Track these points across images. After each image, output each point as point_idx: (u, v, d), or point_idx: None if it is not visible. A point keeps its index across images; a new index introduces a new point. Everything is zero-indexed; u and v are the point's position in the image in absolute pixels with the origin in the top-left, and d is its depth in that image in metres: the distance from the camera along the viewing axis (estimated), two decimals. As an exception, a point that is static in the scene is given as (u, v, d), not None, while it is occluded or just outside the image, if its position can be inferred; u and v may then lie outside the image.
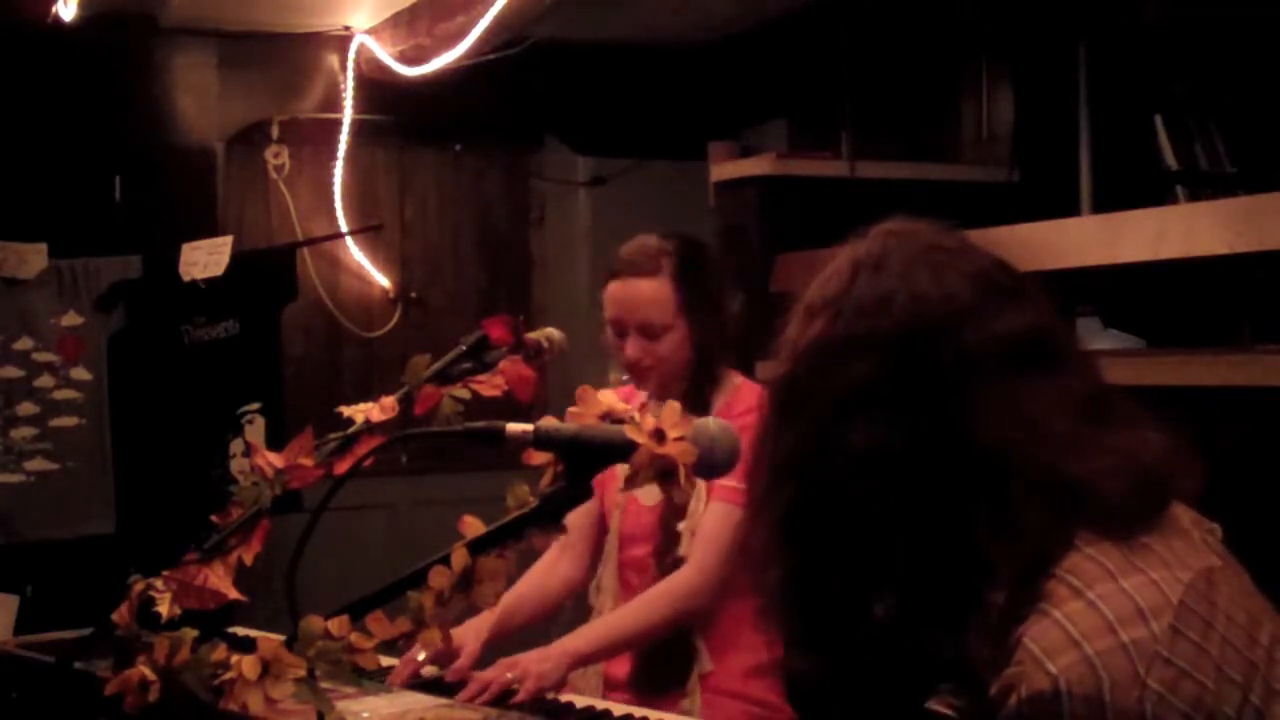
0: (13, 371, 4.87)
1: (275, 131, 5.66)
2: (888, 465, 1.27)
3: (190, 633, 1.71)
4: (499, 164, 6.13)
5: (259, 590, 2.02)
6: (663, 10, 5.38)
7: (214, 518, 2.02)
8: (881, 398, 1.28)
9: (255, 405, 4.80)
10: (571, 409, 1.69)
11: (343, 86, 5.57)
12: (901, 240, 1.36)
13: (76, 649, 2.14)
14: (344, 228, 5.70)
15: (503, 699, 2.43)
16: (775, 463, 1.34)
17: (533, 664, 2.47)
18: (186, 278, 4.79)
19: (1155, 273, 3.50)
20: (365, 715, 2.31)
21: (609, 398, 1.70)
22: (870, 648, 1.32)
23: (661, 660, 2.68)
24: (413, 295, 5.90)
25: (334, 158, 5.66)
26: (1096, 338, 3.74)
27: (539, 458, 1.69)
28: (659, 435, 1.61)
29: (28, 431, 4.87)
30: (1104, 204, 4.08)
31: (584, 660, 2.59)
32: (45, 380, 4.90)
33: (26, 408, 4.87)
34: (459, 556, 1.60)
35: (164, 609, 1.90)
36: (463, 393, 2.11)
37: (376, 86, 5.54)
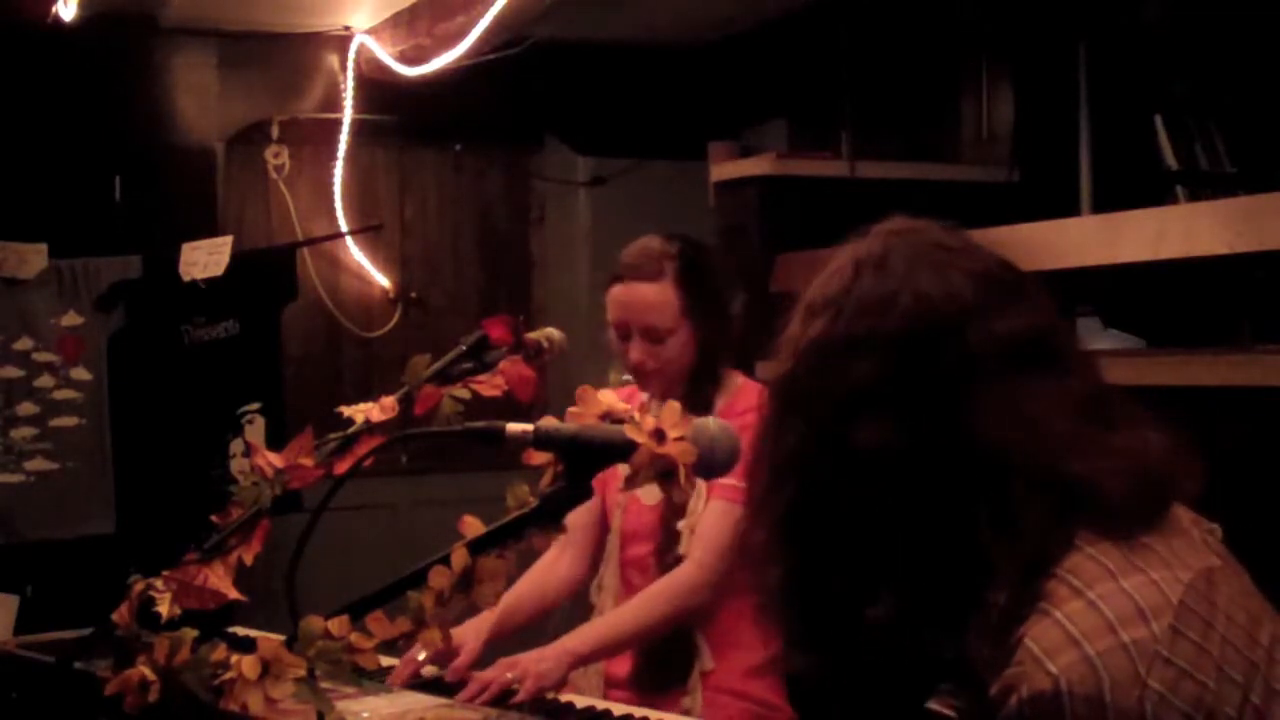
0: (13, 371, 4.87)
1: (275, 131, 5.66)
2: (889, 465, 1.27)
3: (190, 633, 1.71)
4: (499, 164, 6.13)
5: (259, 590, 2.01)
6: (663, 10, 5.37)
7: (214, 518, 2.03)
8: (883, 397, 1.27)
9: (255, 405, 4.80)
10: (571, 409, 1.69)
11: (343, 86, 5.57)
12: (904, 239, 1.36)
13: (76, 649, 2.14)
14: (344, 228, 5.70)
15: (503, 699, 2.43)
16: (776, 462, 1.34)
17: (532, 664, 2.47)
18: (186, 278, 4.79)
19: (1155, 273, 3.50)
20: (365, 715, 2.31)
21: (609, 398, 1.71)
22: (870, 648, 1.32)
23: (663, 658, 2.68)
24: (413, 295, 5.90)
25: (334, 158, 5.66)
26: (1096, 338, 3.74)
27: (539, 458, 1.69)
28: (659, 435, 1.61)
29: (28, 431, 4.87)
30: (1104, 204, 4.08)
31: (584, 660, 2.59)
32: (45, 380, 4.90)
33: (26, 408, 4.87)
34: (459, 556, 1.60)
35: (164, 609, 1.90)
36: (463, 393, 2.11)
37: (376, 86, 5.54)
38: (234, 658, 1.63)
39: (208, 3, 5.13)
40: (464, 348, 2.18)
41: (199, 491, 4.51)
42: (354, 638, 1.60)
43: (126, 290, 4.98)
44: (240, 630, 2.83)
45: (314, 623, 1.60)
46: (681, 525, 2.68)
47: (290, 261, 5.12)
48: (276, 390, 4.90)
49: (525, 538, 1.63)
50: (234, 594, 1.95)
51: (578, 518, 2.74)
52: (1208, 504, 1.32)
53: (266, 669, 1.60)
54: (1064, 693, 1.16)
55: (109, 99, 5.17)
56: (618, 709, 2.44)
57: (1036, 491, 1.24)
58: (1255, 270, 3.30)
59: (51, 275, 4.90)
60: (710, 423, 1.63)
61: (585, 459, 1.64)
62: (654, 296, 2.67)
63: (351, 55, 5.54)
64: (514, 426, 1.66)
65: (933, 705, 1.29)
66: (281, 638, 1.62)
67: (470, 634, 2.61)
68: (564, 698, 2.50)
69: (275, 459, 2.03)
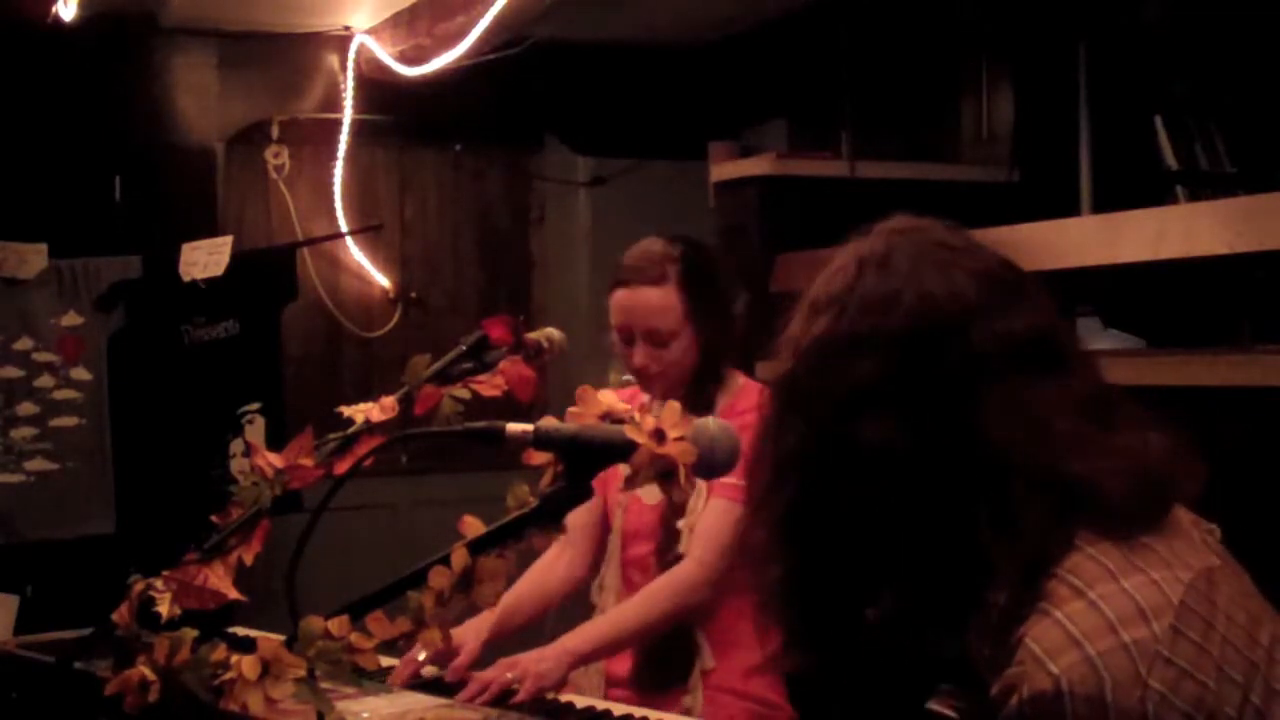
0: (13, 371, 4.87)
1: (275, 131, 5.66)
2: (891, 464, 1.26)
3: (190, 633, 1.71)
4: (499, 164, 6.13)
5: (259, 590, 2.01)
6: (663, 10, 5.37)
7: (214, 518, 2.03)
8: (886, 396, 1.27)
9: (255, 405, 4.80)
10: (571, 409, 1.69)
11: (343, 86, 5.56)
12: (907, 238, 1.36)
13: (76, 649, 2.14)
14: (344, 228, 5.70)
15: (503, 699, 2.43)
16: (777, 460, 1.34)
17: (532, 664, 2.47)
18: (186, 278, 4.79)
19: (1155, 273, 3.50)
20: (365, 715, 2.31)
21: (609, 398, 1.71)
22: (870, 647, 1.32)
23: (663, 657, 2.68)
24: (413, 295, 5.90)
25: (334, 158, 5.66)
26: (1096, 338, 3.74)
27: (539, 458, 1.69)
28: (659, 435, 1.61)
29: (28, 431, 4.87)
30: (1104, 204, 4.08)
31: (584, 659, 2.59)
32: (45, 380, 4.90)
33: (26, 408, 4.87)
34: (459, 556, 1.60)
35: (164, 609, 1.90)
36: (463, 393, 2.11)
37: (376, 86, 5.54)
38: (234, 658, 1.63)
39: (208, 3, 5.13)
40: (464, 348, 2.18)
41: (199, 491, 4.51)
42: (354, 638, 1.60)
43: (126, 290, 4.98)
44: (240, 630, 2.82)
45: (314, 623, 1.60)
46: (681, 524, 2.68)
47: (290, 261, 5.12)
48: (276, 390, 4.90)
49: (525, 538, 1.63)
50: (234, 594, 1.95)
51: (579, 517, 2.74)
52: (1208, 504, 1.32)
53: (266, 669, 1.60)
54: (1065, 693, 1.16)
55: (109, 99, 5.17)
56: (618, 709, 2.44)
57: (1037, 491, 1.24)
58: (1255, 270, 3.30)
59: (51, 275, 4.91)
60: (710, 423, 1.63)
61: (585, 459, 1.64)
62: (657, 301, 2.67)
63: (351, 55, 5.54)
64: (514, 426, 1.66)
65: (933, 705, 1.29)
66: (281, 638, 1.62)
67: (470, 634, 2.61)
68: (564, 697, 2.50)
69: (275, 459, 2.03)
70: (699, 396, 2.64)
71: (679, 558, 2.66)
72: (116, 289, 4.97)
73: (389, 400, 2.09)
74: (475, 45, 4.93)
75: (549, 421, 1.66)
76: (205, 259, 4.76)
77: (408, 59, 5.28)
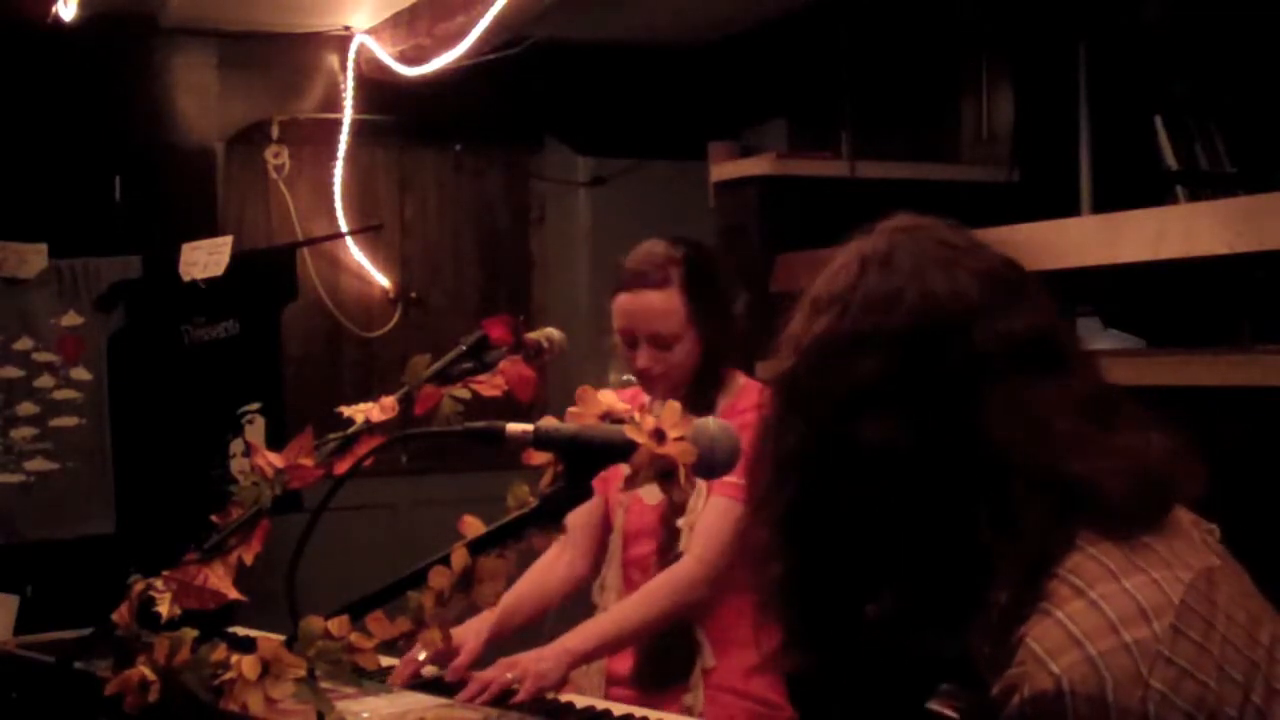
0: (13, 371, 4.87)
1: (275, 131, 5.66)
2: (892, 463, 1.26)
3: (190, 633, 1.71)
4: (499, 164, 6.13)
5: (259, 590, 2.01)
6: (663, 10, 5.37)
7: (214, 518, 2.03)
8: (888, 395, 1.27)
9: (255, 405, 4.80)
10: (571, 409, 1.69)
11: (343, 86, 5.56)
12: (909, 236, 1.36)
13: (76, 649, 2.14)
14: (344, 228, 5.69)
15: (503, 699, 2.43)
16: (778, 459, 1.34)
17: (532, 664, 2.47)
18: (186, 278, 4.79)
19: (1155, 273, 3.50)
20: (365, 715, 2.31)
21: (609, 398, 1.71)
22: (870, 647, 1.32)
23: (664, 655, 2.68)
24: (413, 295, 5.90)
25: (334, 158, 5.66)
26: (1096, 338, 3.74)
27: (539, 458, 1.69)
28: (659, 435, 1.61)
29: (28, 431, 4.87)
30: (1104, 204, 4.08)
31: (584, 658, 2.59)
32: (45, 380, 4.90)
33: (26, 408, 4.87)
34: (459, 556, 1.60)
35: (164, 609, 1.90)
36: (463, 393, 2.11)
37: (376, 86, 5.54)
38: (234, 658, 1.63)
39: (208, 3, 5.13)
40: (464, 348, 2.18)
41: (199, 491, 4.51)
42: (354, 638, 1.60)
43: (126, 290, 4.98)
44: (240, 630, 2.82)
45: (314, 623, 1.60)
46: (681, 523, 2.69)
47: (290, 261, 5.12)
48: (276, 390, 4.90)
49: (525, 538, 1.63)
50: (234, 594, 1.95)
51: (579, 517, 2.74)
52: (1208, 504, 1.32)
53: (266, 669, 1.60)
54: (1066, 693, 1.16)
55: (109, 99, 5.17)
56: (618, 709, 2.44)
57: (1038, 491, 1.24)
58: (1255, 270, 3.30)
59: (51, 275, 4.91)
60: (710, 423, 1.63)
61: (585, 459, 1.64)
62: (661, 305, 2.67)
63: (351, 55, 5.54)
64: (514, 426, 1.66)
65: (933, 706, 1.29)
66: (281, 638, 1.62)
67: (470, 634, 2.62)
68: (564, 697, 2.50)
69: (275, 459, 2.03)
70: (700, 397, 2.64)
71: (680, 557, 2.67)
72: (116, 289, 4.97)
73: (389, 400, 2.09)
74: (475, 45, 4.93)
75: (549, 421, 1.66)
76: (205, 259, 4.76)
77: (408, 59, 5.28)
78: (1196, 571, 1.23)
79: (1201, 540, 1.29)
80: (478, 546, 1.61)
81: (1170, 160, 4.12)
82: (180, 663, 1.68)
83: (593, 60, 5.83)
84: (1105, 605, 1.19)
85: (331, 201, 5.69)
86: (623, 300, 2.71)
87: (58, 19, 4.88)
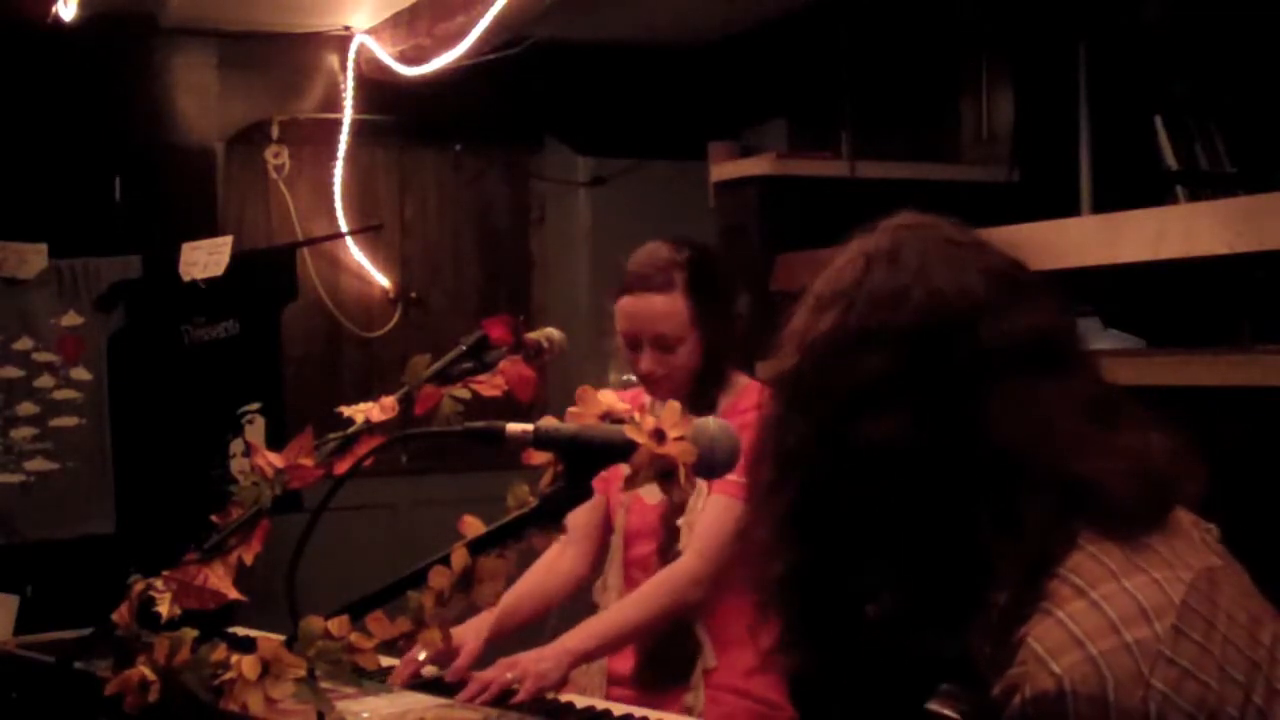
0: (13, 371, 4.87)
1: (275, 131, 5.66)
2: (897, 460, 1.26)
3: (190, 633, 1.71)
4: (499, 164, 6.13)
5: (259, 590, 2.02)
6: (663, 10, 5.37)
7: (214, 518, 2.03)
8: (894, 392, 1.27)
9: (255, 405, 4.80)
10: (571, 409, 1.69)
11: (343, 86, 5.57)
12: (915, 234, 1.35)
13: (76, 649, 2.14)
14: (344, 228, 5.70)
15: (503, 699, 2.43)
16: (781, 456, 1.33)
17: (532, 664, 2.47)
18: (186, 278, 4.79)
19: (1155, 273, 3.49)
20: (365, 715, 2.31)
21: (609, 398, 1.71)
22: (870, 647, 1.32)
23: (665, 655, 2.68)
24: (413, 295, 5.90)
25: (334, 158, 5.66)
26: (1096, 338, 3.74)
27: (539, 458, 1.69)
28: (659, 435, 1.61)
29: (28, 431, 4.87)
30: (1104, 204, 4.08)
31: (585, 658, 2.59)
32: (45, 380, 4.90)
33: (26, 408, 4.87)
34: (459, 556, 1.60)
35: (164, 609, 1.91)
36: (463, 393, 2.11)
37: (376, 86, 5.54)
38: (234, 658, 1.63)
39: (208, 3, 5.13)
40: (464, 348, 2.18)
41: (199, 491, 4.51)
42: (354, 638, 1.60)
43: (126, 290, 4.98)
44: (240, 630, 2.82)
45: (314, 623, 1.60)
46: (681, 522, 2.69)
47: (290, 261, 5.12)
48: (276, 390, 4.90)
49: (525, 538, 1.63)
50: (234, 594, 1.95)
51: (580, 517, 2.74)
52: (1208, 504, 1.32)
53: (266, 669, 1.60)
54: (1068, 693, 1.16)
55: (109, 99, 5.17)
56: (618, 709, 2.44)
57: (1040, 490, 1.24)
58: (1255, 270, 3.30)
59: (51, 275, 4.91)
60: (710, 423, 1.63)
61: (585, 459, 1.64)
62: (665, 308, 2.67)
63: (351, 55, 5.54)
64: (514, 426, 1.66)
65: (933, 706, 1.29)
66: (281, 638, 1.62)
67: (471, 633, 2.62)
68: (564, 697, 2.50)
69: (275, 459, 2.03)
70: (702, 397, 2.65)
71: (680, 555, 2.67)
72: (116, 289, 4.97)
73: (389, 400, 2.09)
74: (475, 45, 4.93)
75: (549, 421, 1.66)
76: (205, 259, 4.76)
77: (408, 59, 5.28)
78: (1197, 571, 1.23)
79: (1202, 540, 1.29)
80: (478, 546, 1.61)
81: (1170, 160, 4.12)
82: (180, 663, 1.68)
83: (593, 60, 5.83)
84: (1106, 605, 1.19)
85: (331, 201, 5.69)
86: (627, 303, 2.71)
87: (58, 19, 4.88)
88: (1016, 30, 4.75)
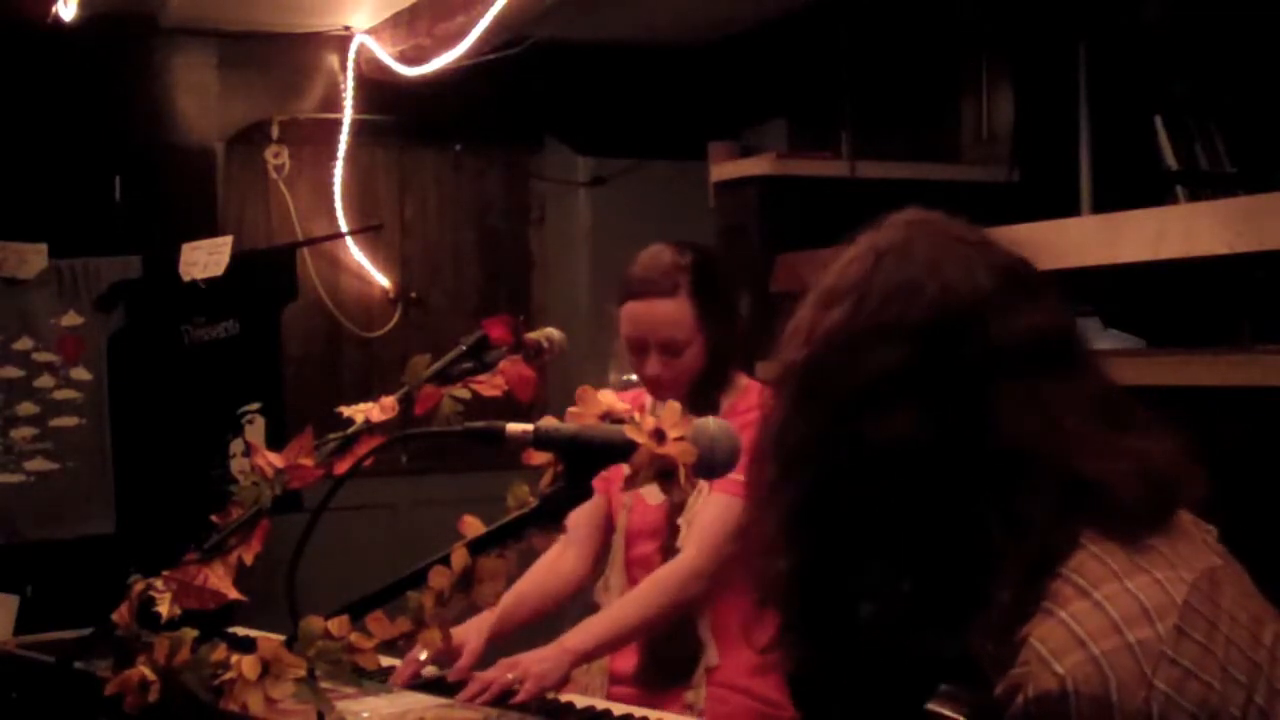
0: (13, 371, 4.87)
1: (275, 131, 5.66)
2: (908, 456, 1.25)
3: (190, 633, 1.71)
4: (499, 164, 6.13)
5: (259, 590, 2.02)
6: (663, 10, 5.37)
7: (214, 518, 2.03)
8: (905, 387, 1.26)
9: (255, 405, 4.80)
10: (571, 409, 1.69)
11: (343, 86, 5.57)
12: (924, 229, 1.35)
13: (76, 649, 2.14)
14: (344, 228, 5.70)
15: (503, 699, 2.43)
16: (789, 451, 1.32)
17: (533, 664, 2.47)
18: (186, 278, 4.80)
19: (1155, 273, 3.49)
20: (365, 715, 2.31)
21: (609, 398, 1.71)
22: (871, 647, 1.32)
23: (668, 653, 2.68)
24: (413, 295, 5.90)
25: (334, 158, 5.66)
26: (1096, 338, 3.74)
27: (539, 458, 1.69)
28: (659, 435, 1.61)
29: (28, 431, 4.87)
30: (1104, 204, 4.08)
31: (585, 657, 2.59)
32: (45, 380, 4.90)
33: (26, 408, 4.87)
34: (459, 556, 1.60)
35: (164, 609, 1.90)
36: (463, 393, 2.11)
37: (376, 86, 5.54)
38: (234, 658, 1.63)
39: (208, 3, 5.13)
40: (464, 348, 2.17)
41: (199, 491, 4.51)
42: (354, 638, 1.60)
43: (126, 290, 4.98)
44: (240, 630, 2.82)
45: (314, 623, 1.60)
46: (680, 521, 2.69)
47: (290, 261, 5.13)
48: (276, 390, 4.90)
49: (525, 538, 1.63)
50: (234, 594, 1.95)
51: (581, 517, 2.74)
52: (1208, 504, 1.32)
53: (266, 669, 1.60)
54: (1070, 693, 1.16)
55: (109, 99, 5.17)
56: (618, 709, 2.44)
57: (1047, 489, 1.23)
58: (1255, 270, 3.30)
59: (51, 275, 4.91)
60: (710, 422, 1.63)
61: (585, 459, 1.64)
62: (671, 313, 2.67)
63: (351, 55, 5.54)
64: (514, 426, 1.66)
65: (932, 707, 1.29)
66: (281, 638, 1.62)
67: (472, 633, 2.62)
68: (564, 697, 2.50)
69: (275, 459, 2.03)
70: (705, 398, 2.65)
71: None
72: (116, 289, 4.97)
73: (389, 400, 2.09)
74: (475, 45, 4.93)
75: (549, 421, 1.66)
76: (205, 259, 4.76)
77: (408, 59, 5.28)
78: (1199, 572, 1.23)
79: (1203, 541, 1.29)
80: (478, 546, 1.61)
81: (1170, 160, 4.12)
82: (180, 663, 1.68)
83: (593, 60, 5.83)
84: (1109, 606, 1.19)
85: (331, 201, 5.69)
86: (632, 308, 2.71)
87: (58, 19, 4.88)
88: (1016, 30, 4.75)
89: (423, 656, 2.51)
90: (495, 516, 1.63)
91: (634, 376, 2.80)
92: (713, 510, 2.62)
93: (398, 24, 5.35)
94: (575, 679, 2.61)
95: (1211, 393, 3.21)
